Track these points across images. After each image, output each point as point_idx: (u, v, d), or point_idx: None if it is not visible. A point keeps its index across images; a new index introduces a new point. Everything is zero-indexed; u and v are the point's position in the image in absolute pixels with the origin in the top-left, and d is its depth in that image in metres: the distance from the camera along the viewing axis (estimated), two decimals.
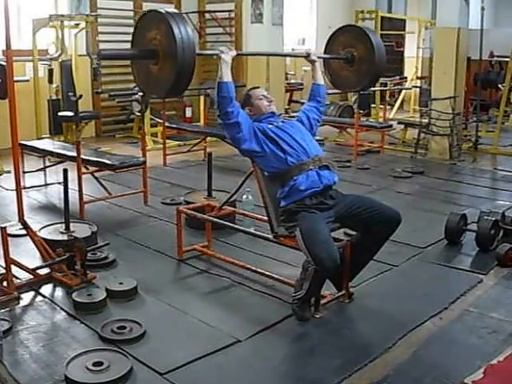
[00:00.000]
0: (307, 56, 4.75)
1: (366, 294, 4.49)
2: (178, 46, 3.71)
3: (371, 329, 4.08)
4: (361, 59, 4.99)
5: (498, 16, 16.70)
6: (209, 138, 9.43)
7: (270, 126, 4.32)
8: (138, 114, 9.63)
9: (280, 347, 3.84)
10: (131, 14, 11.84)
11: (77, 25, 9.96)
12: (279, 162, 4.18)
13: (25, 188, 7.22)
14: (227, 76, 4.13)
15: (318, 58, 4.83)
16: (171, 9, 3.97)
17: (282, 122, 4.46)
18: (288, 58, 13.67)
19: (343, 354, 3.67)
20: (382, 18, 13.86)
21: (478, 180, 8.39)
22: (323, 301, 4.22)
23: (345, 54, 5.05)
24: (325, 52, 5.23)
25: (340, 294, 4.36)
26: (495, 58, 14.12)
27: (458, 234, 5.61)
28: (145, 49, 3.96)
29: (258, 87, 4.64)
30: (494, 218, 5.44)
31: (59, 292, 4.52)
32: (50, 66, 9.46)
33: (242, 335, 3.86)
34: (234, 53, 4.24)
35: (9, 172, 7.85)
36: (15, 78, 4.40)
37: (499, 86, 12.92)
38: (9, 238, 4.44)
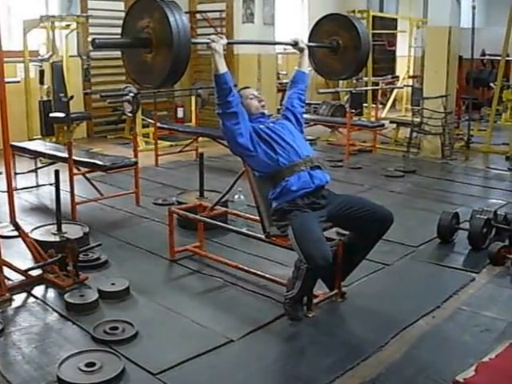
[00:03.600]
0: (295, 44, 4.74)
1: (358, 294, 4.49)
2: (174, 33, 3.62)
3: (364, 328, 4.08)
4: (346, 48, 4.97)
5: (490, 15, 16.73)
6: (200, 139, 9.42)
7: (262, 126, 4.32)
8: (130, 114, 9.61)
9: (272, 347, 3.84)
10: (122, 14, 11.76)
11: (68, 26, 9.95)
12: (271, 162, 4.17)
13: (16, 189, 7.20)
14: (222, 66, 4.09)
15: (306, 46, 4.82)
16: None
17: (273, 123, 4.46)
18: (280, 57, 13.66)
19: (336, 353, 3.67)
20: (374, 17, 13.91)
21: (470, 179, 8.42)
22: (315, 300, 4.22)
23: (330, 42, 5.04)
24: (309, 41, 5.21)
25: (332, 293, 4.36)
26: (487, 57, 14.17)
27: (451, 233, 5.62)
28: (140, 36, 3.87)
29: (248, 87, 4.63)
30: (486, 217, 5.45)
31: (51, 293, 4.51)
32: (41, 67, 9.44)
33: (234, 335, 3.86)
34: (224, 41, 4.19)
35: (0, 173, 7.81)
36: (6, 79, 4.39)
37: (491, 84, 12.98)
38: (0, 240, 4.43)
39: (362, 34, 4.91)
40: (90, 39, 10.67)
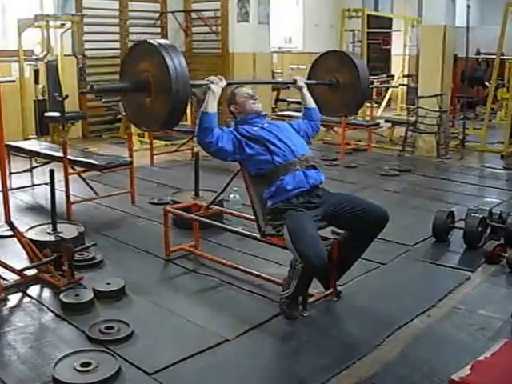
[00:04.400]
0: (294, 83, 4.76)
1: (353, 293, 4.49)
2: (173, 81, 3.63)
3: (359, 327, 4.08)
4: (345, 87, 4.95)
5: (484, 13, 16.78)
6: (195, 139, 9.40)
7: (255, 128, 4.33)
8: (125, 114, 9.58)
9: (268, 346, 3.84)
10: (117, 13, 11.81)
11: (62, 25, 9.92)
12: (266, 162, 4.18)
13: (11, 189, 7.17)
14: (213, 107, 4.13)
15: (305, 83, 4.80)
16: (164, 40, 3.90)
17: (268, 123, 4.47)
18: (275, 56, 13.67)
19: (331, 353, 3.68)
20: (369, 16, 13.92)
21: (465, 177, 8.43)
22: (311, 299, 4.22)
23: (329, 79, 5.02)
24: (309, 75, 5.20)
25: (328, 292, 4.36)
26: (482, 56, 14.19)
27: (446, 232, 5.63)
28: (138, 80, 3.88)
29: (243, 86, 4.64)
30: (481, 216, 5.46)
31: (47, 293, 4.50)
32: (35, 66, 9.40)
33: (230, 334, 3.85)
34: (223, 83, 4.22)
35: None
36: (1, 79, 4.38)
37: (486, 83, 12.99)
38: None
39: (362, 73, 4.89)
40: (84, 39, 10.72)
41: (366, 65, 5.24)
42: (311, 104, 4.74)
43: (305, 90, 4.74)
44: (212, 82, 4.14)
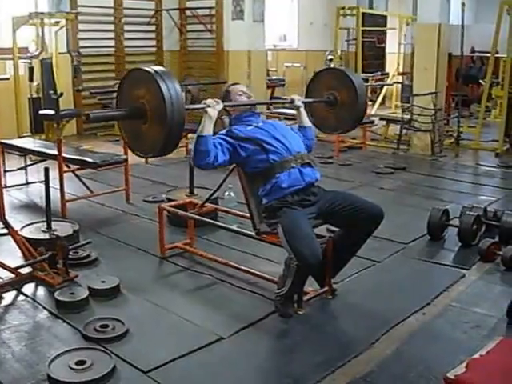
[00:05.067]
0: (291, 102, 4.73)
1: (348, 291, 4.49)
2: (168, 109, 3.59)
3: (354, 325, 4.09)
4: (343, 104, 4.94)
5: (479, 12, 16.81)
6: (190, 135, 9.38)
7: (250, 127, 4.32)
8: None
9: (263, 344, 3.85)
10: (112, 11, 11.79)
11: (57, 22, 9.88)
12: (261, 161, 4.17)
13: (6, 187, 7.17)
14: (208, 130, 4.10)
15: (302, 102, 4.77)
16: (159, 67, 3.87)
17: (263, 121, 4.46)
18: (269, 54, 13.67)
19: (326, 351, 3.68)
20: (363, 14, 13.90)
21: (460, 175, 8.44)
22: (306, 297, 4.22)
23: (327, 96, 5.00)
24: (307, 91, 5.18)
25: (323, 290, 4.36)
26: (476, 54, 14.21)
27: (441, 230, 5.64)
28: (133, 108, 3.83)
29: (237, 83, 4.64)
30: (476, 213, 5.47)
31: (41, 291, 4.50)
32: (30, 64, 9.38)
33: (225, 332, 3.85)
34: (220, 106, 4.19)
35: None
36: None
37: (480, 81, 13.01)
38: None
39: (360, 91, 4.88)
40: (78, 36, 10.70)
41: (363, 83, 5.20)
42: (307, 123, 4.71)
43: (302, 110, 4.70)
44: (209, 106, 4.12)
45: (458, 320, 4.10)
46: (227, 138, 4.24)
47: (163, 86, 3.61)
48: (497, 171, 8.81)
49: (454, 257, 5.31)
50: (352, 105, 4.88)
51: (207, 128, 4.09)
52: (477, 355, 2.63)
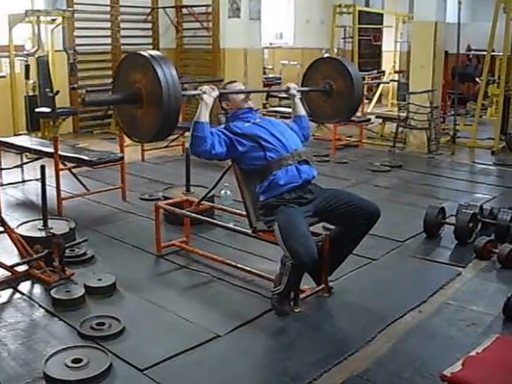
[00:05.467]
0: (287, 90, 4.72)
1: (345, 288, 4.49)
2: (164, 93, 3.60)
3: (350, 322, 4.09)
4: (339, 93, 4.94)
5: (475, 10, 16.80)
6: (187, 133, 9.39)
7: (247, 124, 4.32)
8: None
9: (259, 342, 3.85)
10: (108, 9, 11.77)
11: (53, 20, 9.89)
12: (258, 158, 4.17)
13: (2, 185, 7.20)
14: (205, 116, 4.11)
15: (298, 91, 4.77)
16: (155, 51, 3.87)
17: (261, 118, 4.46)
18: (266, 52, 13.66)
19: (323, 348, 3.68)
20: (360, 11, 13.92)
21: (456, 173, 8.45)
22: (302, 295, 4.22)
23: (323, 85, 5.00)
24: (303, 80, 5.18)
25: (319, 288, 4.37)
26: (472, 52, 14.22)
27: (437, 228, 5.65)
28: (129, 92, 3.85)
29: (234, 81, 4.63)
30: (472, 211, 5.48)
31: (37, 289, 4.49)
32: (26, 61, 9.37)
33: (221, 330, 3.85)
34: (216, 93, 4.20)
35: None
36: None
37: (476, 79, 13.02)
38: None
39: (356, 81, 4.88)
40: (75, 34, 10.68)
41: (358, 71, 5.21)
42: (302, 112, 4.72)
43: (297, 99, 4.71)
44: (204, 93, 4.13)
45: (454, 318, 4.10)
46: (225, 131, 4.25)
47: (159, 71, 3.62)
48: (493, 169, 8.83)
49: (450, 255, 5.32)
50: (348, 94, 4.89)
51: (203, 114, 4.10)
52: (473, 353, 2.63)
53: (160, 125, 3.73)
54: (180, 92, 3.76)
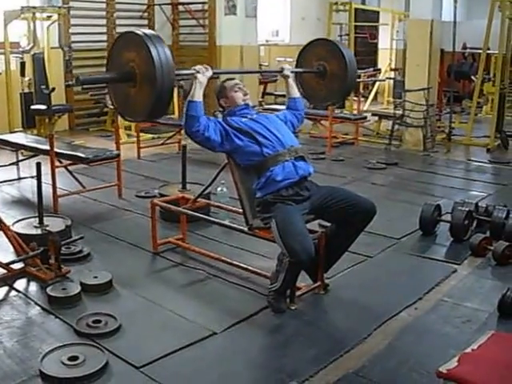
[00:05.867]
0: (281, 71, 4.74)
1: (341, 286, 4.50)
2: (157, 72, 3.63)
3: (347, 320, 4.10)
4: (332, 75, 4.95)
5: (471, 8, 16.79)
6: (183, 131, 9.40)
7: (244, 119, 4.32)
8: (112, 107, 9.55)
9: (256, 339, 3.85)
10: (104, 5, 11.75)
11: (49, 17, 9.86)
12: (255, 153, 4.17)
13: None
14: (199, 96, 4.12)
15: (292, 72, 4.79)
16: (149, 31, 3.88)
17: (257, 114, 4.47)
18: (262, 49, 13.65)
19: (319, 345, 3.69)
20: (356, 9, 13.93)
21: (451, 171, 8.46)
22: (298, 292, 4.23)
23: (317, 67, 5.01)
24: (297, 63, 5.20)
25: (315, 285, 4.37)
26: (468, 50, 14.23)
27: (433, 225, 5.66)
28: (123, 71, 3.87)
29: (233, 78, 4.63)
30: (467, 209, 5.49)
31: (33, 286, 4.49)
32: (22, 58, 9.35)
33: (217, 327, 3.86)
34: (209, 73, 4.21)
35: None
36: None
37: (472, 77, 13.04)
38: None
39: (350, 63, 4.89)
40: (70, 31, 10.66)
41: (353, 54, 5.23)
42: (296, 94, 4.74)
43: (291, 80, 4.74)
44: (198, 72, 4.13)
45: (449, 315, 4.12)
46: (222, 123, 4.26)
47: (153, 50, 3.64)
48: (488, 167, 8.85)
49: (446, 252, 5.33)
50: (342, 76, 4.91)
51: (197, 94, 4.11)
52: (469, 349, 2.64)
53: (153, 103, 3.76)
54: (173, 71, 3.79)
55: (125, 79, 3.86)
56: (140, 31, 3.79)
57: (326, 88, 5.03)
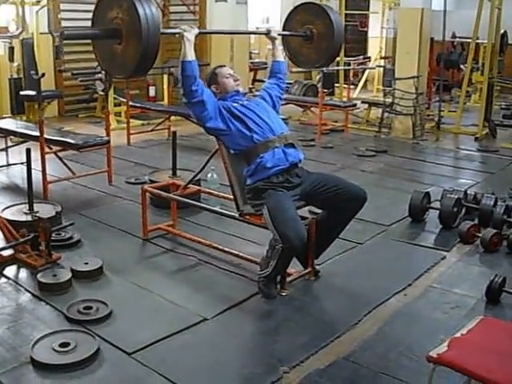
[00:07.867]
0: (268, 33, 4.74)
1: (331, 272, 4.53)
2: (143, 25, 3.65)
3: (337, 306, 4.13)
4: (320, 36, 4.98)
5: None
6: (173, 117, 9.40)
7: (235, 104, 4.32)
8: (102, 93, 9.51)
9: (247, 325, 3.87)
10: None
11: (38, 1, 9.79)
12: (245, 139, 4.18)
13: None
14: (191, 54, 4.12)
15: (279, 35, 4.82)
16: None
17: (248, 100, 4.46)
18: (252, 37, 13.60)
19: (309, 331, 3.71)
20: None
21: (440, 159, 8.50)
22: (289, 278, 4.25)
23: (304, 31, 5.03)
24: (283, 29, 5.23)
25: (306, 271, 4.40)
26: (457, 39, 14.24)
27: (422, 212, 5.69)
28: (108, 28, 3.89)
29: (224, 65, 4.62)
30: (456, 196, 5.53)
31: (23, 273, 4.49)
32: (10, 43, 9.29)
33: (208, 313, 3.87)
34: (196, 31, 4.21)
35: None
36: None
37: (461, 66, 13.06)
38: None
39: (336, 23, 4.92)
40: (60, 16, 10.59)
41: (339, 16, 5.26)
42: (281, 57, 4.79)
43: (278, 42, 4.77)
44: (185, 30, 4.13)
45: (438, 301, 4.16)
46: (218, 102, 4.27)
47: (139, 6, 3.64)
48: (476, 155, 8.89)
49: (435, 239, 5.37)
50: (328, 37, 4.94)
51: (189, 52, 4.12)
52: (458, 334, 2.67)
53: (139, 59, 3.79)
54: (159, 27, 3.82)
55: (110, 35, 3.88)
56: None
57: (315, 51, 5.07)
